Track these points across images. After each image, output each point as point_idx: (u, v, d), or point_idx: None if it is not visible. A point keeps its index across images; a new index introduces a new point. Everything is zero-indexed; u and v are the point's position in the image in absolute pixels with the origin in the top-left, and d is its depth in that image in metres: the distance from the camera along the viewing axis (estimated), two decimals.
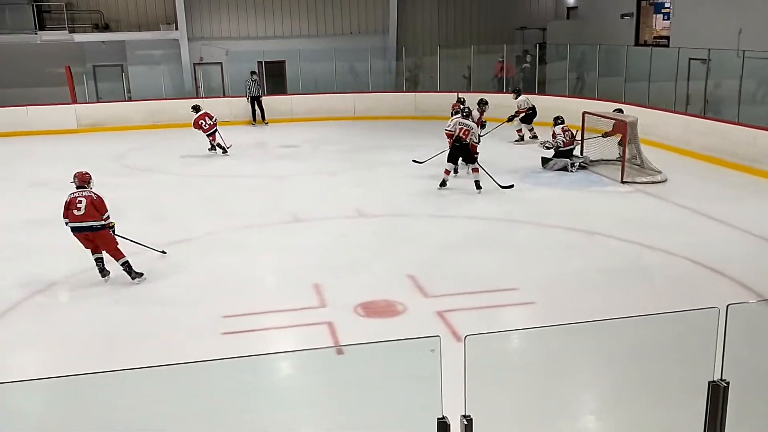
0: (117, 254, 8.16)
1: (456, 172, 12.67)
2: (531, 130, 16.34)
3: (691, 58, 15.89)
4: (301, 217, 10.77)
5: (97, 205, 8.00)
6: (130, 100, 21.39)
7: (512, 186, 11.91)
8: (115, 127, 19.70)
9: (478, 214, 10.63)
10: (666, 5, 19.77)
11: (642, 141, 13.13)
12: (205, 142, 15.86)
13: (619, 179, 12.30)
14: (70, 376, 3.32)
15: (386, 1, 24.06)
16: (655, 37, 20.52)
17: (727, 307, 2.96)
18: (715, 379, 3.09)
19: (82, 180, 8.26)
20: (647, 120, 14.56)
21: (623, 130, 12.47)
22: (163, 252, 9.02)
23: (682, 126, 14.80)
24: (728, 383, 3.07)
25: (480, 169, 11.81)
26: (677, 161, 13.89)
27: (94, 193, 8.13)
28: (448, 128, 12.70)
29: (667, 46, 18.78)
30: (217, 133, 15.71)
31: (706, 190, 11.85)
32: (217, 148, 15.72)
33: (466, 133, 11.67)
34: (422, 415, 2.85)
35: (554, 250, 9.02)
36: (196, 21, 22.90)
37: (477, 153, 11.97)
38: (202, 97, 21.82)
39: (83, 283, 8.28)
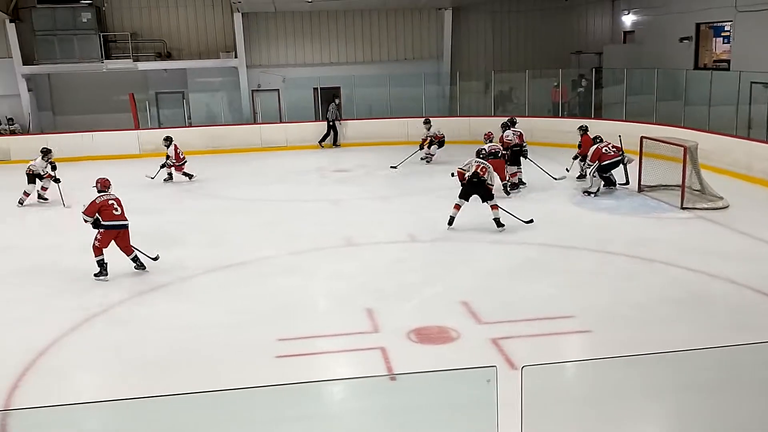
0: (129, 250, 9.34)
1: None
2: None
3: (752, 82, 15.50)
4: (354, 241, 10.83)
5: (111, 208, 9.19)
6: (190, 125, 21.96)
7: (532, 221, 11.21)
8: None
9: (534, 240, 10.50)
10: (726, 29, 19.36)
11: (702, 166, 12.81)
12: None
13: (679, 205, 12.02)
14: (125, 399, 3.40)
15: (441, 27, 24.20)
16: (715, 61, 20.09)
17: None
18: None
19: (104, 185, 9.48)
20: (708, 145, 14.22)
21: (683, 155, 12.18)
22: (155, 258, 9.59)
23: (744, 151, 14.40)
24: None
25: (498, 206, 11.10)
26: (739, 187, 13.50)
27: (117, 197, 9.37)
28: (461, 167, 11.55)
29: (728, 69, 18.36)
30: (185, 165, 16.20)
31: None
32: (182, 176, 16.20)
33: (484, 170, 11.08)
34: None
35: (612, 278, 8.85)
36: (254, 49, 23.43)
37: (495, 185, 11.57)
38: (260, 123, 22.29)
39: (138, 306, 8.49)
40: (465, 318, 7.59)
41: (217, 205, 14.00)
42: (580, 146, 14.42)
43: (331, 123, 21.01)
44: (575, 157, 14.65)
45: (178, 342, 7.29)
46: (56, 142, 20.22)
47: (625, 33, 24.55)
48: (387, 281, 8.96)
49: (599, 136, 13.59)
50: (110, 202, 9.23)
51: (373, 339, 7.15)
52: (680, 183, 12.15)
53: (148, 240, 11.15)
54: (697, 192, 12.40)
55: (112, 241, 9.28)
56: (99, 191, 9.37)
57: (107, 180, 9.59)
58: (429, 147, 17.57)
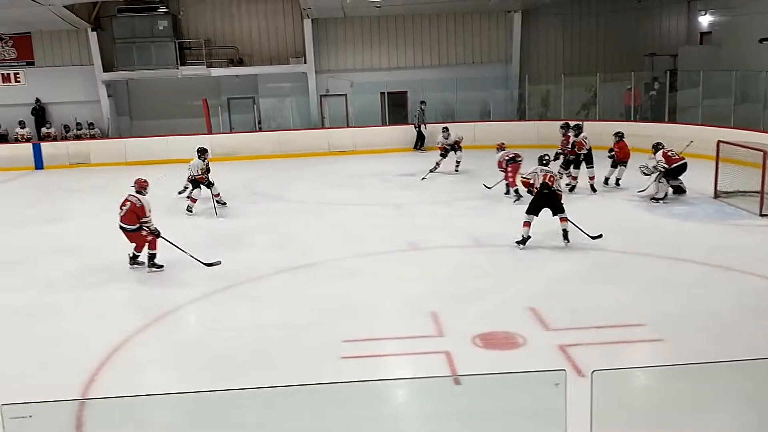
0: (140, 249, 9.68)
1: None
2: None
3: None
4: (418, 245, 10.81)
5: (138, 212, 9.41)
6: (260, 130, 22.40)
7: (601, 236, 10.36)
8: (246, 156, 20.62)
9: (604, 246, 10.24)
10: None
11: None
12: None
13: (758, 212, 11.54)
14: (193, 392, 3.47)
15: (510, 30, 23.95)
16: None
17: None
18: None
19: (141, 186, 9.74)
20: None
21: (763, 159, 11.71)
22: (211, 264, 9.63)
23: None
24: None
25: (568, 219, 10.41)
26: None
27: (140, 201, 9.50)
28: (525, 176, 11.34)
29: None
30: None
31: None
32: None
33: (552, 179, 10.46)
34: None
35: (686, 286, 8.57)
36: (323, 54, 23.72)
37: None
38: (327, 128, 22.53)
39: (208, 306, 8.68)
40: (532, 324, 7.47)
41: (285, 208, 14.21)
42: (612, 151, 14.26)
43: (417, 127, 20.98)
44: (614, 165, 14.35)
45: (245, 341, 7.42)
46: (133, 146, 21.02)
47: (702, 34, 23.78)
48: (452, 285, 8.91)
49: (661, 143, 13.16)
50: (125, 202, 9.60)
51: (438, 343, 7.11)
52: (759, 189, 11.67)
53: (218, 241, 11.44)
54: None
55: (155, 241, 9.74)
56: (136, 191, 9.74)
57: (144, 181, 9.87)
58: (455, 152, 17.05)
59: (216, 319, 8.23)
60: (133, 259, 9.88)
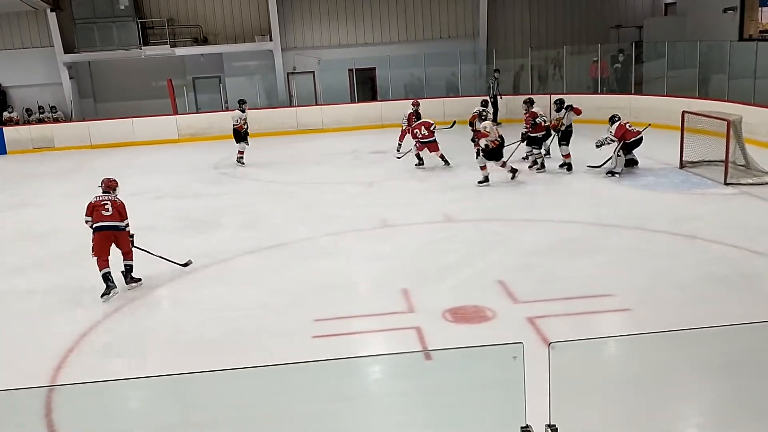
0: (129, 255, 8.46)
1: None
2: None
3: None
4: (390, 222, 10.81)
5: (120, 210, 8.41)
6: (227, 110, 22.11)
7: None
8: (213, 137, 20.41)
9: (572, 218, 10.35)
10: None
11: (747, 141, 12.46)
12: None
13: (723, 181, 11.72)
14: (165, 376, 3.45)
15: (476, 4, 23.87)
16: (761, 31, 19.45)
17: None
18: None
19: (109, 186, 8.68)
20: (753, 119, 13.82)
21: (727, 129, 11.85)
22: (185, 264, 8.99)
23: None
24: None
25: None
26: None
27: (119, 199, 8.54)
28: (485, 130, 12.77)
29: None
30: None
31: None
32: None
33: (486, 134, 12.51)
34: (506, 422, 2.78)
35: (653, 256, 8.67)
36: (289, 31, 23.47)
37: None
38: (295, 106, 22.36)
39: (178, 288, 8.61)
40: (501, 297, 7.52)
41: (254, 188, 14.12)
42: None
43: (492, 99, 19.12)
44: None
45: (216, 323, 7.38)
46: (97, 129, 20.70)
47: (667, 5, 23.97)
48: (423, 262, 8.93)
49: (617, 115, 13.14)
50: (103, 202, 8.41)
51: (409, 319, 7.14)
52: (723, 158, 11.83)
53: (188, 223, 11.35)
54: (742, 167, 12.07)
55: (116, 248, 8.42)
56: (103, 192, 8.63)
57: (112, 181, 8.75)
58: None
59: (187, 301, 8.18)
60: (129, 273, 8.53)
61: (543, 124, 13.47)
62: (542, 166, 13.58)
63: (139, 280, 8.58)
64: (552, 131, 13.66)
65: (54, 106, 22.85)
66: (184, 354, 6.68)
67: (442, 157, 14.48)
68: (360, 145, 18.27)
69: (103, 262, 8.26)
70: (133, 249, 8.57)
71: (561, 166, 13.50)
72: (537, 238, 9.60)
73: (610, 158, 12.98)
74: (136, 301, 8.18)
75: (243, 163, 16.17)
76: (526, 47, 22.19)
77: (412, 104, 16.16)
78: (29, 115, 22.98)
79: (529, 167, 13.67)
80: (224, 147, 18.98)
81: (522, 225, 10.35)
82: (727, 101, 15.87)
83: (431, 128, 14.35)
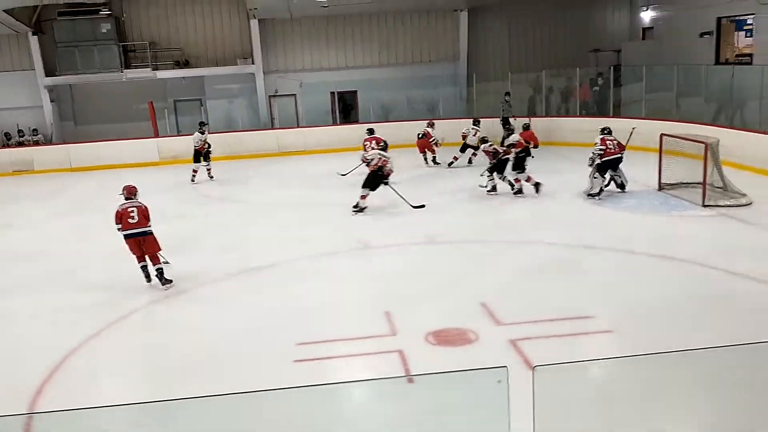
0: (157, 259, 9.19)
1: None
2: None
3: None
4: (372, 244, 10.81)
5: (146, 214, 9.18)
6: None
7: (424, 206, 12.73)
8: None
9: (553, 240, 10.41)
10: (748, 22, 19.11)
11: (724, 163, 12.63)
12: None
13: (701, 203, 11.86)
14: (146, 402, 3.41)
15: (457, 29, 24.15)
16: (737, 55, 19.83)
17: None
18: None
19: (130, 192, 9.38)
20: (730, 141, 14.02)
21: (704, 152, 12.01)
22: (166, 262, 9.43)
23: (767, 146, 14.18)
24: None
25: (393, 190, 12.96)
26: (762, 183, 13.30)
27: (142, 204, 9.26)
28: (366, 157, 13.45)
29: (750, 63, 18.11)
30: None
31: None
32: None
33: (384, 162, 12.89)
34: None
35: (634, 277, 8.74)
36: (271, 55, 23.56)
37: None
38: (277, 128, 22.39)
39: (160, 311, 8.56)
40: (484, 319, 7.53)
41: (236, 210, 14.08)
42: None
43: (504, 120, 18.44)
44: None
45: (198, 347, 7.32)
46: (78, 152, 20.57)
47: (644, 29, 24.35)
48: (405, 284, 8.93)
49: (608, 128, 13.31)
50: (129, 210, 9.12)
51: (391, 342, 7.11)
52: (701, 180, 11.98)
53: (168, 246, 11.25)
54: (719, 189, 12.22)
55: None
56: (126, 198, 9.31)
57: (133, 187, 9.44)
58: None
59: (168, 324, 8.12)
60: (162, 276, 9.17)
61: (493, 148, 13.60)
62: (493, 189, 13.66)
63: (171, 281, 9.21)
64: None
65: (35, 129, 22.70)
66: (163, 379, 6.63)
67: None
68: (341, 166, 18.26)
69: (139, 258, 9.22)
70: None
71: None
72: (519, 260, 9.65)
73: (609, 181, 13.04)
74: (116, 324, 8.10)
75: (194, 182, 17.01)
76: (506, 71, 22.42)
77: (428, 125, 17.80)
78: (8, 139, 22.80)
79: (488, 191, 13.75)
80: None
81: (504, 246, 10.40)
82: (704, 124, 16.11)
83: (381, 144, 14.62)
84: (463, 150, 17.12)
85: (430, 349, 6.90)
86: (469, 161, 17.09)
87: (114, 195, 9.88)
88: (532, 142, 14.43)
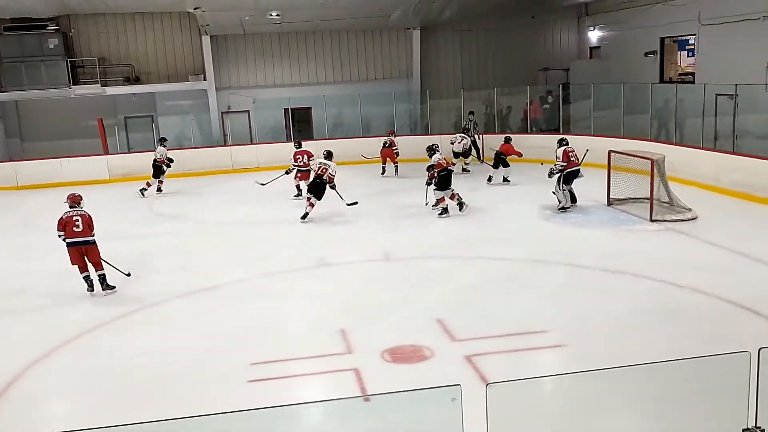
0: (100, 266, 9.43)
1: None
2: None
3: (717, 94, 15.79)
4: (327, 261, 10.78)
5: (90, 223, 9.38)
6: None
7: (356, 203, 13.73)
8: (145, 176, 20.00)
9: (507, 255, 10.54)
10: (690, 42, 19.76)
11: (670, 178, 13.00)
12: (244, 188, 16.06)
13: (648, 218, 12.15)
14: (96, 429, 3.33)
15: (410, 47, 24.39)
16: (680, 74, 20.48)
17: (759, 351, 2.87)
18: (750, 426, 2.99)
19: (74, 200, 9.53)
20: (675, 157, 14.44)
21: (653, 167, 12.33)
22: (128, 274, 9.89)
23: (711, 162, 14.65)
24: (763, 431, 2.97)
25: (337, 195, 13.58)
26: (707, 198, 13.71)
27: (86, 213, 9.44)
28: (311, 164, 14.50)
29: (693, 82, 18.71)
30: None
31: (737, 227, 11.65)
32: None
33: (324, 170, 13.48)
34: None
35: (584, 291, 8.90)
36: (223, 71, 23.41)
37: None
38: (230, 145, 22.21)
39: (109, 333, 8.36)
40: (440, 336, 7.57)
41: (188, 228, 13.88)
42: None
43: (473, 139, 19.25)
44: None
45: (150, 368, 7.18)
46: (24, 169, 20.05)
47: (592, 49, 24.96)
48: (361, 301, 8.93)
49: (566, 139, 13.70)
50: (74, 218, 9.29)
51: (347, 360, 7.09)
52: (648, 196, 12.29)
53: (119, 264, 11.02)
54: (666, 204, 12.56)
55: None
56: (70, 206, 9.44)
57: (77, 195, 9.63)
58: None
59: (118, 346, 7.92)
60: (104, 282, 9.49)
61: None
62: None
63: (114, 287, 9.48)
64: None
65: None
66: (112, 403, 6.47)
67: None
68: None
69: (81, 268, 9.38)
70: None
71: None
72: (473, 275, 9.74)
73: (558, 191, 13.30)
74: (65, 346, 7.89)
75: (144, 195, 17.32)
76: (459, 88, 22.70)
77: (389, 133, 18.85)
78: None
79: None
80: (156, 187, 18.67)
81: (458, 262, 10.48)
82: (651, 140, 16.55)
83: (311, 158, 15.62)
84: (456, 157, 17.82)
85: (386, 367, 6.91)
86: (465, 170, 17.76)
87: (59, 213, 9.69)
88: (515, 155, 16.17)
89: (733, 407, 3.27)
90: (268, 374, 6.88)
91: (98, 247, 9.45)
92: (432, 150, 13.81)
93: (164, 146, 17.75)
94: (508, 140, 16.53)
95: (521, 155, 16.38)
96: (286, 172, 16.20)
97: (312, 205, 13.57)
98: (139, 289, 9.77)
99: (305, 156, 15.99)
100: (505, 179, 16.26)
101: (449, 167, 13.47)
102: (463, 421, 2.68)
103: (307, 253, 11.25)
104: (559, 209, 13.26)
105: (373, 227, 13.04)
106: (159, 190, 17.72)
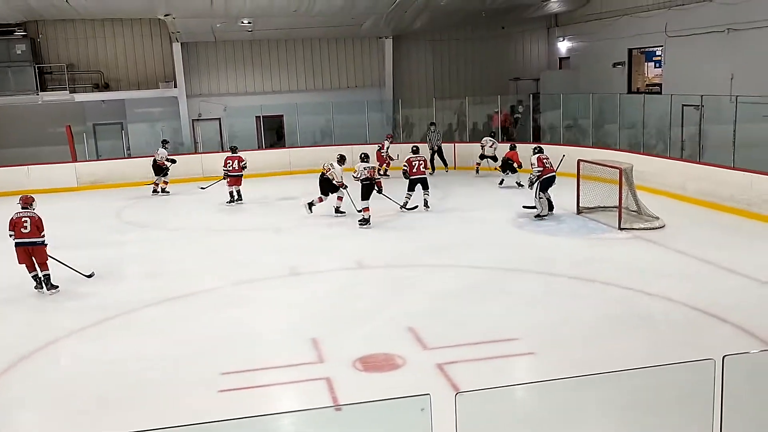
0: (45, 266, 9.79)
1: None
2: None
3: (684, 105, 16.08)
4: (299, 270, 10.74)
5: (39, 225, 9.76)
6: (129, 156, 21.56)
7: (417, 207, 14.38)
8: (114, 184, 19.83)
9: (478, 264, 10.60)
10: (657, 54, 20.10)
11: (638, 187, 13.19)
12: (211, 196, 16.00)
13: (617, 226, 12.31)
14: None
15: (382, 56, 24.47)
16: (647, 85, 20.81)
17: (723, 358, 2.92)
18: None
19: (26, 202, 9.92)
20: (643, 167, 14.66)
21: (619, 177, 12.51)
22: (90, 275, 10.24)
23: (678, 172, 14.89)
24: None
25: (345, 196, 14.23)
26: (674, 207, 13.93)
27: (36, 214, 9.83)
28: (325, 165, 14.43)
29: (660, 93, 19.03)
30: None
31: (703, 235, 11.85)
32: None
33: (328, 169, 14.09)
34: None
35: (555, 299, 8.98)
36: (194, 78, 23.26)
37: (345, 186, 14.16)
38: (201, 152, 22.05)
39: (79, 342, 8.24)
40: (411, 344, 7.58)
41: (159, 236, 13.74)
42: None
43: (436, 149, 19.71)
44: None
45: (119, 377, 7.08)
46: None
47: (561, 59, 25.26)
48: (333, 310, 8.90)
49: (540, 147, 13.91)
50: (23, 219, 9.67)
51: (319, 369, 7.07)
52: (617, 204, 12.45)
53: (90, 270, 10.89)
54: (634, 212, 12.73)
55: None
56: (22, 207, 9.84)
57: (29, 197, 10.02)
58: None
59: (88, 355, 7.80)
60: (48, 282, 9.84)
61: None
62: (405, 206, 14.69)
63: (57, 287, 9.80)
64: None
65: None
66: (84, 411, 6.39)
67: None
68: (268, 191, 18.16)
69: (29, 267, 9.78)
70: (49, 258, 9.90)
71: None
72: (444, 283, 9.77)
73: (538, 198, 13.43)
74: (36, 354, 7.76)
75: (157, 192, 18.15)
76: (431, 97, 22.82)
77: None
78: None
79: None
80: (126, 194, 18.48)
81: (430, 270, 10.51)
82: (619, 150, 16.79)
83: (243, 163, 16.39)
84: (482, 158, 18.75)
85: (358, 376, 6.89)
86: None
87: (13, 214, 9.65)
88: (517, 163, 16.69)
89: (699, 414, 3.32)
90: (239, 384, 6.82)
91: (46, 249, 9.80)
92: (361, 159, 14.16)
93: (165, 148, 18.26)
94: (513, 148, 17.08)
95: (521, 166, 16.53)
96: (223, 178, 16.66)
97: (321, 200, 14.36)
98: (109, 297, 9.64)
99: (236, 162, 16.43)
100: (518, 184, 16.53)
101: (372, 177, 13.72)
102: (432, 430, 2.68)
103: (280, 261, 11.20)
104: (535, 217, 13.38)
105: (346, 235, 13.03)
106: (159, 190, 18.16)
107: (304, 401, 6.47)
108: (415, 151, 15.15)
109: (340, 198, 14.39)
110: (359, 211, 13.66)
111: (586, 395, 3.58)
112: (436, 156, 19.67)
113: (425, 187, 14.54)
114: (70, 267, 10.21)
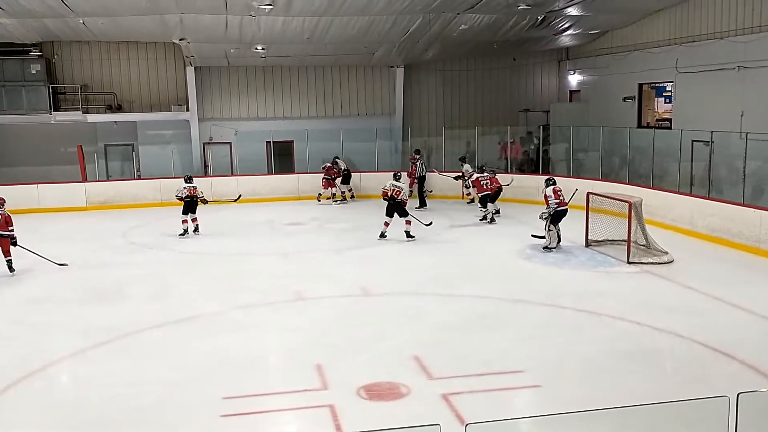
0: (7, 254, 12.08)
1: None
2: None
3: (693, 140, 16.08)
4: (305, 295, 10.70)
5: (8, 220, 12.11)
6: (139, 178, 21.68)
7: (431, 223, 14.78)
8: (124, 205, 19.90)
9: (484, 294, 10.54)
10: (667, 89, 20.17)
11: (647, 221, 13.14)
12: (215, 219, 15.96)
13: (625, 259, 12.24)
14: None
15: (393, 84, 24.64)
16: (657, 119, 20.85)
17: (738, 396, 2.88)
18: None
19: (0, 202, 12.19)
20: (652, 201, 14.62)
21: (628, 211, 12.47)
22: (63, 264, 11.87)
23: (687, 207, 14.84)
24: None
25: (411, 221, 14.35)
26: (683, 242, 13.86)
27: (6, 213, 12.17)
28: (384, 188, 14.56)
29: (670, 128, 19.05)
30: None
31: (712, 271, 11.76)
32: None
33: (398, 192, 14.10)
34: None
35: (561, 332, 8.90)
36: (206, 102, 23.45)
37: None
38: (210, 176, 22.14)
39: (80, 363, 8.20)
40: (416, 373, 7.50)
41: (165, 258, 13.73)
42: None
43: (421, 175, 19.26)
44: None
45: (121, 400, 7.02)
46: (1, 194, 19.74)
47: (571, 92, 25.38)
48: (338, 336, 8.84)
49: (553, 178, 13.89)
50: None
51: (323, 396, 7.00)
52: (626, 238, 12.40)
53: (92, 295, 10.88)
54: (643, 246, 12.66)
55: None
56: None
57: (0, 198, 12.24)
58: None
59: (89, 377, 7.76)
60: (11, 266, 12.10)
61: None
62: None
63: (14, 270, 12.11)
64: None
65: None
66: None
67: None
68: (276, 216, 18.19)
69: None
70: (14, 248, 12.10)
71: None
72: (450, 313, 9.71)
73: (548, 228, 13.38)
74: (34, 375, 7.71)
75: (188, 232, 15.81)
76: (440, 126, 22.90)
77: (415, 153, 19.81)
78: None
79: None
80: (135, 215, 18.54)
81: (435, 299, 10.45)
82: (628, 184, 16.76)
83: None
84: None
85: (362, 404, 6.82)
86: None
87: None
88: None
89: None
90: (241, 409, 6.75)
91: (9, 243, 11.97)
92: (394, 178, 14.71)
93: (188, 183, 16.03)
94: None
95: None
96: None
97: (387, 224, 14.34)
98: (113, 318, 9.60)
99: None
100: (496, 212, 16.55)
101: (390, 196, 14.24)
102: None
103: (285, 286, 11.17)
104: (544, 248, 13.33)
105: (351, 262, 13.00)
106: (186, 231, 15.84)
107: (307, 428, 6.40)
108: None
109: (408, 222, 14.36)
110: (426, 225, 14.66)
111: (593, 430, 3.53)
112: (416, 185, 19.11)
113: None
114: (41, 256, 12.16)
